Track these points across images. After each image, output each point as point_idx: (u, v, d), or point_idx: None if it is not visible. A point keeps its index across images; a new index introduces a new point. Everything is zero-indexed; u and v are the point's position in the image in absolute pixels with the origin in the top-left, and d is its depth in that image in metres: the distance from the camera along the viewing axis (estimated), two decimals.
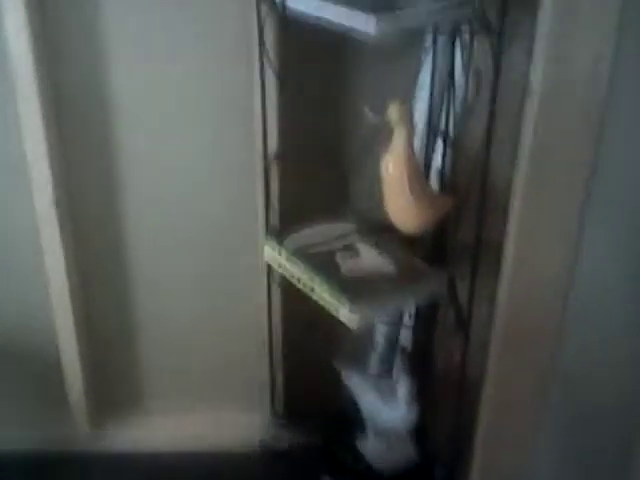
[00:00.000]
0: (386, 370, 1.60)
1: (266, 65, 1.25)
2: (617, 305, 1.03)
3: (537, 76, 0.94)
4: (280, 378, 1.60)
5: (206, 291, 1.56)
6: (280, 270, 1.27)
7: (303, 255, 1.25)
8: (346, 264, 1.24)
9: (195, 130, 1.40)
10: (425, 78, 1.33)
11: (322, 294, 1.18)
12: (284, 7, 1.10)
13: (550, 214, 1.07)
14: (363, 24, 0.94)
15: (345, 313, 1.14)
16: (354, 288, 1.17)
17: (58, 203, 1.38)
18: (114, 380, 1.65)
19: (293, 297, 1.47)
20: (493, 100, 0.96)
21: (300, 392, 1.62)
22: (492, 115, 1.00)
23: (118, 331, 1.61)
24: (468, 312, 1.22)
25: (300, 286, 1.22)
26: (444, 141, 1.35)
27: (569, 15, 0.95)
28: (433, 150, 1.41)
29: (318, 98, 1.37)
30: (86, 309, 1.54)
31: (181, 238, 1.50)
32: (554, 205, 1.06)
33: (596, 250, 1.04)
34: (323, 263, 1.23)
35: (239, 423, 1.66)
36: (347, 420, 1.54)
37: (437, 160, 1.40)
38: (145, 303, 1.57)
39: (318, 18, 1.02)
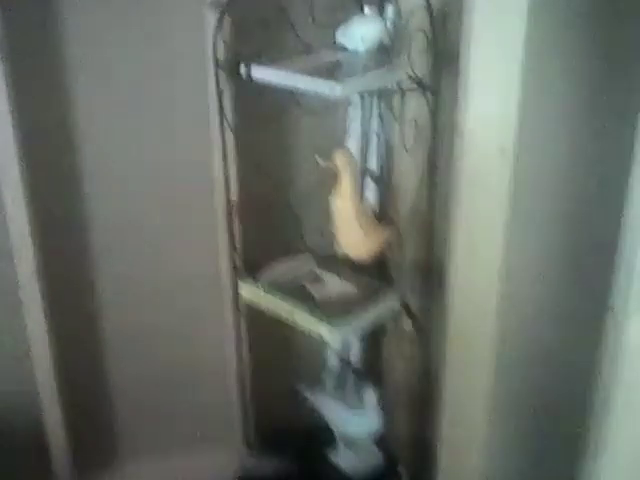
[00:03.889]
0: (341, 390, 1.80)
1: (225, 128, 1.44)
2: (545, 299, 1.28)
3: (464, 122, 1.20)
4: (250, 411, 1.74)
5: (176, 335, 1.69)
6: (258, 304, 1.44)
7: (278, 288, 1.43)
8: (317, 291, 1.44)
9: (160, 180, 1.56)
10: (354, 127, 1.58)
11: (304, 319, 1.36)
12: (250, 78, 1.30)
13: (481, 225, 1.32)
14: (328, 89, 1.16)
15: (327, 334, 1.33)
16: (330, 311, 1.36)
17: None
18: (92, 436, 1.72)
19: (256, 333, 1.65)
20: (433, 144, 1.22)
21: (269, 421, 1.77)
22: (432, 155, 1.25)
23: (94, 387, 1.69)
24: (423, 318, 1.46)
25: (281, 314, 1.40)
26: (378, 180, 1.60)
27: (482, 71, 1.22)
28: (364, 188, 1.65)
29: (269, 150, 1.58)
30: (65, 371, 1.62)
31: (151, 290, 1.63)
32: (483, 219, 1.32)
33: (522, 251, 1.30)
34: (297, 293, 1.42)
35: (214, 461, 1.77)
36: (316, 438, 1.71)
37: (369, 196, 1.65)
38: (119, 355, 1.68)
39: (285, 86, 1.24)
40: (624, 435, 0.94)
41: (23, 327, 1.52)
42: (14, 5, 1.35)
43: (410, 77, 1.25)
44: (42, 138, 1.45)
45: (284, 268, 1.51)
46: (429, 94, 1.22)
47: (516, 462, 1.42)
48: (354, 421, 1.61)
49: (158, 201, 1.57)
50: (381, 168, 1.58)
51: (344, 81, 1.16)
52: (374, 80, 1.21)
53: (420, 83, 1.24)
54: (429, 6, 1.19)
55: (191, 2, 1.41)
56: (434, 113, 1.22)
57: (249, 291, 1.45)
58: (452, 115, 1.23)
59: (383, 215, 1.61)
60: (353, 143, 1.60)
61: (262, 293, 1.43)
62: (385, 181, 1.59)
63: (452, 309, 1.38)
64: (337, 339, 1.34)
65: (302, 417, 1.70)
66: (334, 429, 1.66)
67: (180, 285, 1.64)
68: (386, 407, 1.60)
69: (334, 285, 1.46)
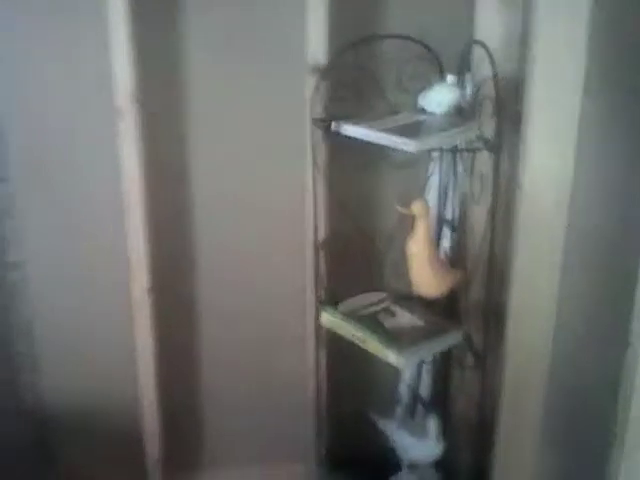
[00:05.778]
0: (410, 418, 1.94)
1: (317, 176, 1.66)
2: (593, 341, 1.40)
3: (523, 176, 1.37)
4: (325, 431, 1.91)
5: (261, 356, 1.91)
6: (336, 330, 1.63)
7: (354, 317, 1.62)
8: (387, 322, 1.61)
9: (260, 217, 1.81)
10: (434, 180, 1.76)
11: (374, 345, 1.54)
12: (338, 134, 1.52)
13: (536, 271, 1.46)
14: (404, 145, 1.36)
15: (394, 357, 1.50)
16: (398, 339, 1.54)
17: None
18: (182, 441, 1.95)
19: (335, 361, 1.84)
20: (495, 196, 1.39)
21: (341, 442, 1.94)
22: (494, 206, 1.42)
23: (186, 399, 1.93)
24: (483, 354, 1.60)
25: (354, 340, 1.58)
26: (451, 228, 1.77)
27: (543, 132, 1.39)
28: (441, 235, 1.82)
29: (356, 197, 1.79)
30: (164, 382, 1.86)
31: (242, 312, 1.86)
32: (539, 266, 1.46)
33: (574, 297, 1.43)
34: (371, 322, 1.61)
35: (288, 475, 1.97)
36: (383, 461, 1.85)
37: (444, 242, 1.81)
38: (210, 371, 1.91)
39: (368, 141, 1.45)
40: None
41: (132, 336, 1.77)
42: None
43: (478, 137, 1.43)
44: (161, 172, 1.72)
45: (362, 301, 1.70)
46: (494, 152, 1.39)
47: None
48: (417, 447, 1.75)
49: (255, 236, 1.81)
50: (455, 217, 1.76)
51: (418, 139, 1.36)
52: (446, 139, 1.40)
53: (486, 142, 1.42)
54: (495, 76, 1.37)
55: (295, 67, 1.66)
56: (496, 169, 1.39)
57: (328, 318, 1.65)
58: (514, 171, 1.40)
59: (456, 259, 1.77)
60: (433, 194, 1.78)
61: (339, 320, 1.62)
62: (458, 229, 1.76)
63: (509, 347, 1.52)
64: (403, 364, 1.50)
65: (372, 440, 1.86)
66: (399, 453, 1.80)
67: (269, 311, 1.86)
68: (449, 436, 1.73)
69: (405, 319, 1.64)
